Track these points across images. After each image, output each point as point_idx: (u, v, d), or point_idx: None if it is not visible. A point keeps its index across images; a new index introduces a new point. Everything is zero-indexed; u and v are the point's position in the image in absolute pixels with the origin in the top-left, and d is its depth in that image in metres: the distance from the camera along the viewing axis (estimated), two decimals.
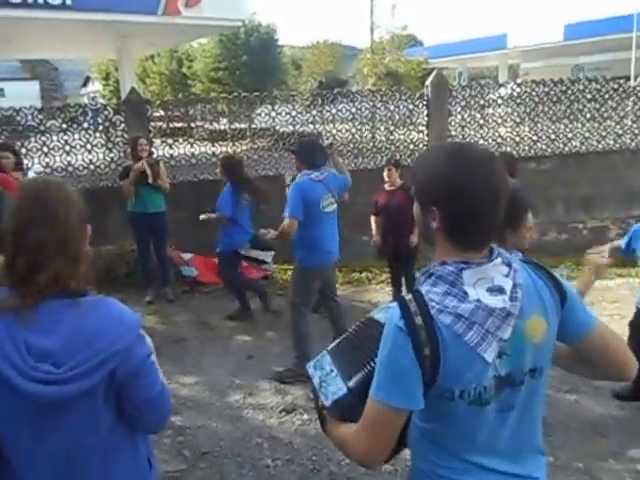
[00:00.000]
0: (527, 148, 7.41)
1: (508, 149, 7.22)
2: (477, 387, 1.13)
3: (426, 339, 1.09)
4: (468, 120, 7.30)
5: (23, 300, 1.17)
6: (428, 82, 7.23)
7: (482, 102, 7.32)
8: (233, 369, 4.25)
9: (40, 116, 6.67)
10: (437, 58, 24.77)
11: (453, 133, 7.27)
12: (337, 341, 1.41)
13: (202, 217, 5.08)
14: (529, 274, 1.22)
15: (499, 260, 1.16)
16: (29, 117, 6.61)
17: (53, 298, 1.19)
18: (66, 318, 1.18)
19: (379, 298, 5.65)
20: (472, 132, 7.32)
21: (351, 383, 1.24)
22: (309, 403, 3.73)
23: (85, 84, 43.61)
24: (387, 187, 5.02)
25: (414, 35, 31.02)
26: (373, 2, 21.37)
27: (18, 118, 6.61)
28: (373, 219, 5.19)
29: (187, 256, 6.17)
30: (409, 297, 1.15)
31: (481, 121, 7.33)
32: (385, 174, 4.95)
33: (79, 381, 1.14)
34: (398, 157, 6.98)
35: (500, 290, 1.13)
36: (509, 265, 1.17)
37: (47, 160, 6.50)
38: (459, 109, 7.29)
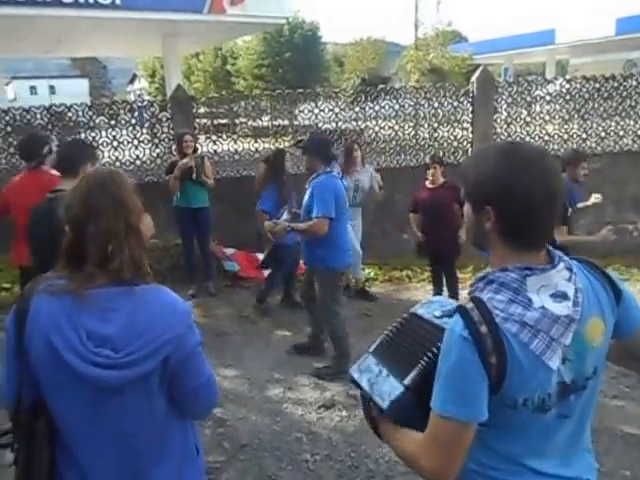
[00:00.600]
0: (576, 146, 7.18)
1: (555, 147, 7.02)
2: (541, 395, 1.12)
3: (492, 348, 1.07)
4: (514, 117, 7.13)
5: (82, 287, 1.21)
6: (474, 78, 7.10)
7: (529, 99, 7.13)
8: (273, 364, 4.30)
9: (90, 112, 6.91)
10: (482, 54, 24.28)
11: (498, 130, 7.11)
12: (378, 341, 1.39)
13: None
14: (586, 275, 1.20)
15: (562, 265, 1.14)
16: (79, 113, 6.85)
17: (110, 286, 1.23)
18: (123, 306, 1.22)
19: (419, 297, 5.59)
20: (518, 129, 7.16)
21: (407, 381, 1.21)
22: (348, 400, 3.74)
23: (132, 81, 44.78)
24: (429, 185, 4.96)
25: (458, 31, 30.54)
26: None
27: (70, 114, 6.85)
28: (412, 217, 5.13)
29: (229, 251, 6.26)
30: (469, 305, 1.13)
31: (528, 118, 7.15)
32: (430, 172, 4.88)
33: (135, 366, 1.19)
34: (441, 155, 6.92)
35: (564, 296, 1.11)
36: (570, 269, 1.15)
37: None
38: (505, 106, 7.13)
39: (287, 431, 3.42)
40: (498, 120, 7.10)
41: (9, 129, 6.84)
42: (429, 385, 1.14)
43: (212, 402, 1.44)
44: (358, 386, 1.34)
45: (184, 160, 5.29)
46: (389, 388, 1.23)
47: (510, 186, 1.10)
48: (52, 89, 41.52)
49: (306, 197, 3.94)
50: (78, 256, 1.24)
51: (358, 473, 3.03)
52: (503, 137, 7.11)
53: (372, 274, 6.23)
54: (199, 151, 6.15)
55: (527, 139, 7.01)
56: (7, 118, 6.80)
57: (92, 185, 1.28)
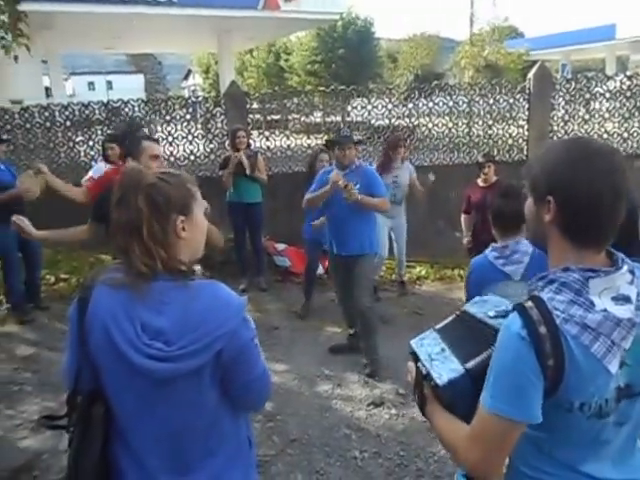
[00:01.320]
0: (636, 144, 6.89)
1: (615, 145, 6.73)
2: (598, 400, 1.09)
3: (551, 350, 1.04)
4: (572, 115, 6.88)
5: (137, 280, 1.24)
6: (531, 75, 6.90)
7: (588, 96, 6.87)
8: (322, 359, 4.32)
9: (146, 108, 7.12)
10: (539, 50, 23.51)
11: (555, 128, 6.90)
12: (445, 322, 1.38)
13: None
14: None
15: (625, 268, 1.10)
16: (136, 109, 7.07)
17: (164, 280, 1.25)
18: (176, 299, 1.24)
19: None
20: (575, 127, 6.91)
21: (469, 365, 1.19)
22: (397, 398, 3.73)
23: (186, 77, 45.70)
24: (481, 184, 4.85)
25: (515, 27, 29.66)
26: None
27: (126, 110, 7.08)
28: (464, 218, 5.03)
29: (281, 246, 6.33)
30: (529, 304, 1.09)
31: (586, 116, 6.90)
32: (483, 171, 4.78)
33: (188, 360, 1.20)
34: (495, 152, 6.76)
35: (626, 299, 1.07)
36: (632, 272, 1.11)
37: None
38: (562, 103, 6.90)
39: (336, 427, 3.43)
40: (555, 118, 6.88)
41: (68, 124, 7.12)
42: (484, 378, 1.13)
43: (265, 395, 1.44)
44: (415, 358, 1.32)
45: (236, 155, 5.37)
46: (449, 367, 1.21)
47: (573, 177, 1.08)
48: (109, 84, 42.92)
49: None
50: (126, 250, 1.28)
51: (407, 472, 3.01)
52: (560, 135, 6.89)
53: (423, 272, 6.17)
54: (252, 147, 6.24)
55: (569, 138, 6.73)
56: (67, 113, 7.09)
57: (140, 186, 1.29)
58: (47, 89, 13.98)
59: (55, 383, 3.97)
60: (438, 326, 1.38)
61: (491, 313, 1.25)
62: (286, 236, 6.36)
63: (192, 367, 1.20)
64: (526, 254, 2.53)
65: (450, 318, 1.38)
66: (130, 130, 3.42)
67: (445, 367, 1.22)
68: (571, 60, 27.82)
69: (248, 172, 5.41)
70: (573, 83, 6.88)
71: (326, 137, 5.77)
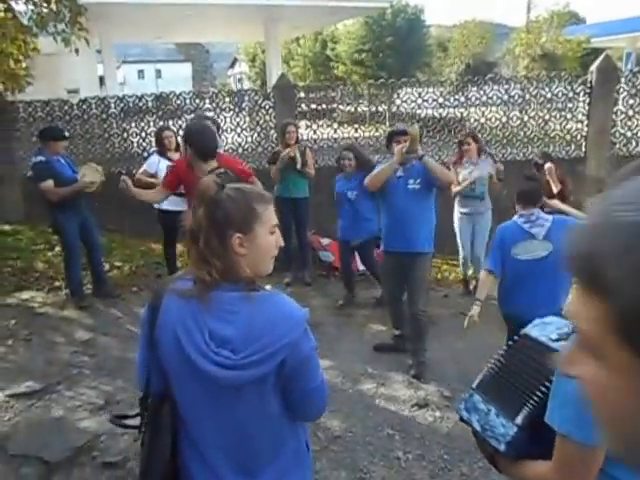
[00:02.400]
0: None
1: None
2: None
3: None
4: (637, 110, 6.55)
5: (203, 290, 1.30)
6: (593, 67, 6.60)
7: None
8: (367, 358, 4.31)
9: (197, 100, 7.23)
10: (601, 37, 22.40)
11: (618, 124, 6.59)
12: (482, 375, 1.34)
13: None
14: None
15: None
16: (186, 101, 7.19)
17: (227, 290, 1.31)
18: (241, 310, 1.29)
19: None
20: None
21: (519, 420, 1.17)
22: (442, 400, 3.69)
23: (232, 65, 46.01)
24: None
25: (576, 12, 28.35)
26: None
27: (178, 102, 7.22)
28: None
29: (325, 241, 6.33)
30: None
31: None
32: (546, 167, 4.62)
33: (253, 368, 1.25)
34: (551, 149, 6.54)
35: None
36: None
37: None
38: (627, 97, 6.57)
39: (379, 427, 3.43)
40: (618, 113, 6.57)
41: (122, 115, 7.32)
42: (543, 417, 1.09)
43: (322, 406, 1.48)
44: (469, 425, 1.32)
45: (287, 150, 5.38)
46: (502, 430, 1.19)
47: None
48: (158, 73, 43.69)
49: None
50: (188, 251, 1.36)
51: (451, 476, 2.99)
52: (623, 131, 6.58)
53: (470, 272, 6.02)
54: (300, 139, 6.23)
55: None
56: (122, 105, 7.29)
57: (199, 197, 1.36)
58: (101, 78, 14.40)
59: (110, 368, 4.15)
60: (476, 382, 1.35)
61: (553, 336, 1.21)
62: (331, 230, 6.34)
63: (256, 375, 1.25)
64: (547, 220, 3.24)
65: (486, 368, 1.34)
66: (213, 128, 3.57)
67: (497, 431, 1.21)
68: (637, 48, 26.39)
69: (299, 167, 5.40)
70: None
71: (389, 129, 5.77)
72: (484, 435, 1.24)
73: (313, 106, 7.29)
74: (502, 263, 3.35)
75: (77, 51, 6.38)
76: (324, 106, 7.27)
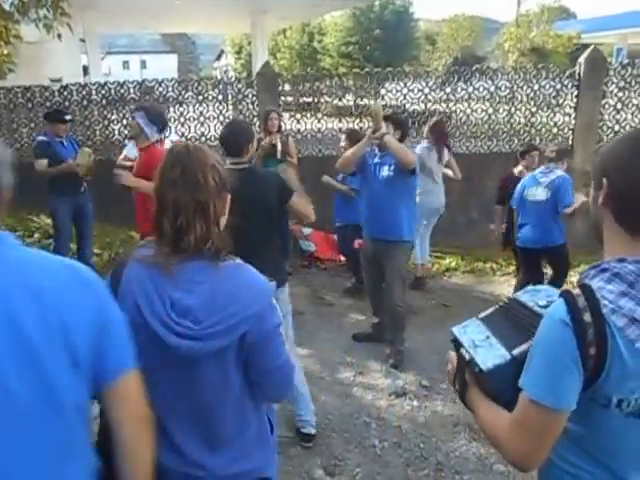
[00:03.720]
0: None
1: None
2: (639, 399, 1.03)
3: (594, 338, 1.01)
4: (625, 103, 6.51)
5: (168, 259, 1.26)
6: (582, 59, 6.53)
7: None
8: (345, 346, 4.28)
9: (179, 88, 7.12)
10: (591, 32, 22.43)
11: (605, 117, 6.55)
12: (489, 311, 1.37)
13: (325, 178, 5.16)
14: None
15: None
16: (169, 89, 7.08)
17: (194, 259, 1.27)
18: (205, 279, 1.26)
19: (503, 291, 5.34)
20: (629, 116, 6.54)
21: (516, 352, 1.17)
22: (420, 390, 3.67)
23: (219, 58, 45.65)
24: (517, 174, 4.68)
25: (566, 7, 28.39)
26: None
27: (160, 89, 7.11)
28: (498, 210, 4.87)
29: (307, 231, 6.28)
30: (576, 291, 1.06)
31: None
32: (535, 160, 4.61)
33: (214, 339, 1.22)
34: (538, 141, 6.51)
35: None
36: None
37: (183, 130, 6.95)
38: (616, 90, 6.53)
39: (356, 414, 3.40)
40: (606, 106, 6.53)
41: (104, 102, 7.20)
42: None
43: (285, 387, 1.44)
44: (457, 345, 1.32)
45: (268, 138, 5.30)
46: (495, 353, 1.20)
47: (627, 162, 1.06)
48: (143, 64, 43.22)
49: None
50: (161, 228, 1.29)
51: (427, 464, 2.96)
52: (611, 125, 6.55)
53: (453, 264, 6.02)
54: (283, 129, 6.17)
55: (638, 127, 6.42)
56: (103, 92, 7.17)
57: (169, 158, 1.31)
58: (85, 68, 14.20)
59: None
60: (482, 315, 1.37)
61: (542, 302, 1.23)
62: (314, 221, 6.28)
63: (218, 346, 1.23)
64: (556, 174, 4.30)
65: (494, 308, 1.37)
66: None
67: (490, 353, 1.21)
68: (628, 44, 26.45)
69: (279, 156, 5.33)
70: (629, 69, 6.48)
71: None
72: (473, 352, 1.23)
73: (300, 100, 7.19)
74: (518, 202, 4.47)
75: (60, 36, 6.26)
76: (309, 99, 7.17)
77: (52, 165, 5.00)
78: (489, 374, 1.18)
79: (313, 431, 3.14)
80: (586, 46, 7.04)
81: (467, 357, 1.25)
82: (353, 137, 4.85)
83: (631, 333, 1.00)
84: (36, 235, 6.71)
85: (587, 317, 1.01)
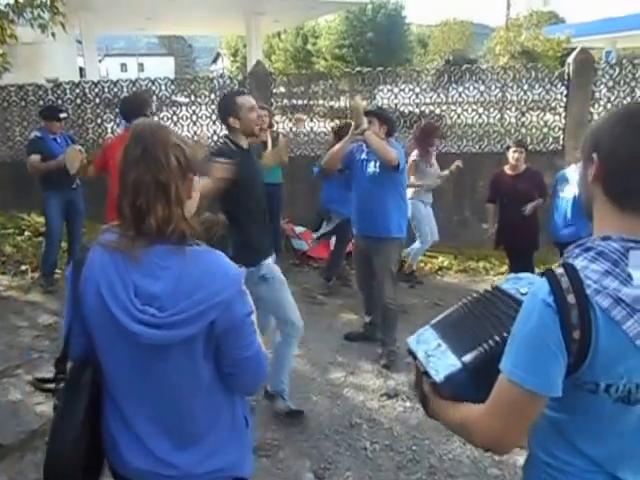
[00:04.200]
0: None
1: None
2: (627, 384, 0.98)
3: (577, 321, 0.96)
4: (615, 103, 6.53)
5: (132, 243, 1.18)
6: (570, 59, 6.56)
7: (634, 83, 6.50)
8: (336, 346, 4.20)
9: (172, 87, 7.05)
10: (581, 37, 22.58)
11: (595, 117, 6.56)
12: (443, 315, 1.32)
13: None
14: None
15: None
16: (162, 88, 7.01)
17: (159, 243, 1.19)
18: (171, 264, 1.19)
19: None
20: None
21: (466, 358, 1.12)
22: (413, 391, 3.58)
23: (215, 60, 45.82)
24: (509, 171, 4.64)
25: (555, 12, 28.61)
26: None
27: (153, 88, 7.03)
28: (489, 207, 4.82)
29: (299, 229, 6.22)
30: (560, 271, 1.00)
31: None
32: (514, 156, 4.55)
33: (181, 328, 1.15)
34: (529, 141, 6.50)
35: None
36: None
37: (176, 129, 6.87)
38: (605, 90, 6.55)
39: (347, 416, 3.32)
40: (595, 106, 6.55)
41: (97, 101, 7.12)
42: (493, 368, 1.04)
43: (260, 377, 1.37)
44: (414, 356, 1.27)
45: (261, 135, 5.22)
46: (446, 362, 1.15)
47: (617, 135, 1.02)
48: (141, 66, 43.28)
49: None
50: (122, 210, 1.22)
51: (419, 468, 2.89)
52: None
53: (446, 263, 5.97)
54: (275, 127, 6.10)
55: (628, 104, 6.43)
56: (96, 90, 7.08)
57: (131, 137, 1.24)
58: (81, 70, 14.12)
59: None
60: (434, 321, 1.33)
61: (523, 290, 1.18)
62: (305, 219, 6.23)
63: (184, 335, 1.16)
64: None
65: (453, 307, 1.32)
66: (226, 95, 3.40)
67: (442, 363, 1.16)
68: (617, 48, 26.66)
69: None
70: (617, 69, 6.50)
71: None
72: (425, 364, 1.19)
73: (293, 101, 7.14)
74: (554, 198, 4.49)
75: (54, 35, 6.23)
76: (303, 101, 7.12)
77: (45, 161, 4.99)
78: (442, 385, 1.14)
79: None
80: (575, 50, 7.02)
81: (422, 369, 1.21)
82: (340, 132, 4.77)
83: (617, 314, 0.95)
84: (26, 233, 6.65)
85: (571, 298, 0.96)
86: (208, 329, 1.19)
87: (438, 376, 1.14)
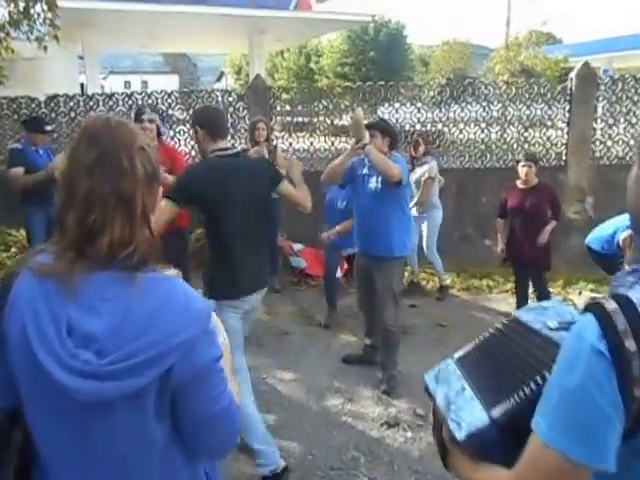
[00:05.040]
0: None
1: None
2: None
3: None
4: (617, 118, 6.41)
5: (70, 267, 0.93)
6: (573, 74, 6.45)
7: (636, 98, 6.37)
8: (334, 370, 3.97)
9: (169, 100, 6.91)
10: (579, 56, 22.72)
11: (598, 133, 6.43)
12: (469, 348, 1.09)
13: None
14: None
15: None
16: (159, 101, 6.87)
17: (105, 269, 0.94)
18: (117, 296, 0.93)
19: (501, 309, 5.09)
20: (621, 131, 6.44)
21: (496, 412, 0.90)
22: (415, 419, 3.36)
23: (219, 79, 46.27)
24: (520, 185, 4.46)
25: (553, 34, 28.89)
26: None
27: (149, 101, 6.89)
28: (500, 223, 4.63)
29: (297, 247, 6.02)
30: (612, 306, 0.77)
31: (634, 119, 6.40)
32: (523, 171, 4.38)
33: (125, 378, 0.88)
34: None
35: None
36: None
37: (173, 143, 6.73)
38: (607, 106, 6.43)
39: (344, 448, 3.08)
40: (598, 121, 6.42)
41: (92, 114, 6.98)
42: (527, 421, 0.82)
43: (231, 439, 1.10)
44: (431, 396, 1.05)
45: (255, 148, 5.07)
46: (471, 416, 0.93)
47: None
48: (144, 84, 43.56)
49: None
50: (64, 226, 0.97)
51: None
52: (604, 139, 6.43)
53: (448, 281, 5.75)
54: (274, 142, 5.95)
55: (631, 142, 6.30)
56: (91, 104, 6.94)
57: (83, 136, 0.99)
58: (82, 85, 14.09)
59: None
60: (458, 353, 1.09)
61: (552, 323, 0.96)
62: (304, 236, 6.04)
63: (130, 389, 0.89)
64: None
65: (480, 338, 1.09)
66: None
67: (465, 414, 0.94)
68: (614, 68, 26.85)
69: None
70: (620, 84, 6.39)
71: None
72: (446, 415, 0.97)
73: (296, 119, 7.01)
74: None
75: (45, 49, 6.11)
76: (306, 118, 6.99)
77: (27, 174, 4.79)
78: (465, 445, 0.92)
79: (274, 467, 2.72)
80: (573, 69, 6.91)
81: (440, 417, 1.01)
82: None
83: None
84: (13, 249, 6.46)
85: (630, 344, 0.74)
86: (163, 380, 0.93)
87: (460, 432, 0.93)
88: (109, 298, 0.92)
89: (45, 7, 5.89)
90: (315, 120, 6.98)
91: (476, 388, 0.98)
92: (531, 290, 4.60)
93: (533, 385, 0.87)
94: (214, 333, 0.99)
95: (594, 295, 5.21)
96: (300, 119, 7.05)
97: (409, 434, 3.22)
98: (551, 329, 0.94)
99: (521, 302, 4.71)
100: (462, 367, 1.06)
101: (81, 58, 13.78)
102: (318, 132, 6.92)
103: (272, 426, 3.20)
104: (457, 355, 1.10)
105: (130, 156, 0.97)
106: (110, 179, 0.95)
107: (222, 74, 44.50)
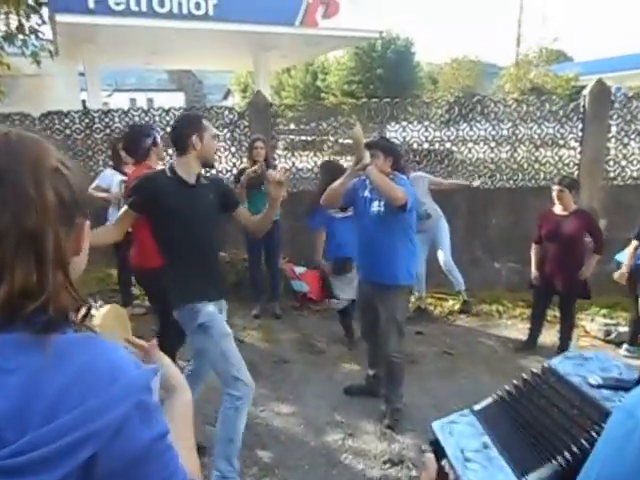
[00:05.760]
0: None
1: None
2: None
3: None
4: (632, 136, 6.23)
5: None
6: (586, 91, 6.29)
7: None
8: (335, 402, 3.75)
9: (167, 117, 6.81)
10: (590, 75, 22.62)
11: (612, 152, 6.25)
12: (491, 399, 0.96)
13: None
14: None
15: None
16: (157, 118, 6.77)
17: (4, 330, 0.72)
18: (21, 366, 0.70)
19: (510, 336, 4.86)
20: (636, 150, 6.25)
21: (532, 478, 0.75)
22: (420, 456, 3.12)
23: (226, 97, 46.63)
24: (557, 211, 4.28)
25: (563, 51, 28.83)
26: (522, 13, 20.04)
27: (147, 119, 6.79)
28: (535, 249, 4.45)
29: (300, 270, 5.81)
30: None
31: None
32: (554, 195, 4.23)
33: (31, 475, 0.65)
34: (542, 177, 6.18)
35: None
36: None
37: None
38: (622, 124, 6.25)
39: None
40: (612, 140, 6.24)
41: (88, 131, 6.89)
42: None
43: None
44: (436, 447, 0.91)
45: (254, 167, 4.92)
46: (496, 477, 0.79)
47: None
48: (150, 101, 43.99)
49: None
50: None
51: None
52: (618, 159, 6.24)
53: (456, 307, 5.53)
54: (275, 161, 5.81)
55: None
56: (87, 121, 6.85)
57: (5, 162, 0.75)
58: (83, 102, 14.11)
59: None
60: (480, 405, 0.96)
61: (593, 380, 0.84)
62: (307, 258, 5.85)
63: None
64: None
65: (502, 390, 0.95)
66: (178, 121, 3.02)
67: (489, 476, 0.79)
68: (626, 86, 26.71)
69: (263, 188, 4.94)
70: (635, 102, 6.22)
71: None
72: (461, 469, 0.81)
73: (301, 138, 6.89)
74: None
75: (39, 63, 6.04)
76: (311, 137, 6.86)
77: None
78: None
79: None
80: (585, 88, 6.74)
81: (452, 475, 0.84)
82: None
83: None
84: None
85: None
86: (85, 472, 0.69)
87: None
88: (10, 369, 0.70)
89: (40, 21, 5.84)
90: (319, 139, 6.86)
91: (502, 447, 0.83)
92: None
93: (569, 455, 0.74)
94: (154, 406, 0.76)
95: (607, 322, 4.97)
96: (304, 137, 6.92)
97: (414, 473, 3.00)
98: (592, 386, 0.82)
99: (535, 329, 4.54)
100: (483, 421, 0.92)
101: (82, 75, 13.80)
102: (323, 151, 6.78)
103: (266, 464, 3.01)
104: (477, 407, 0.98)
105: (37, 181, 0.74)
106: (9, 210, 0.72)
107: (229, 92, 44.84)
